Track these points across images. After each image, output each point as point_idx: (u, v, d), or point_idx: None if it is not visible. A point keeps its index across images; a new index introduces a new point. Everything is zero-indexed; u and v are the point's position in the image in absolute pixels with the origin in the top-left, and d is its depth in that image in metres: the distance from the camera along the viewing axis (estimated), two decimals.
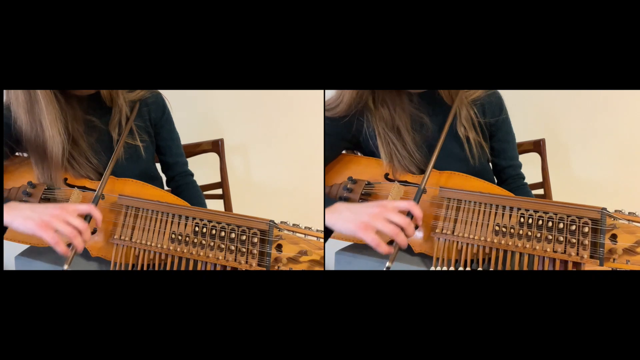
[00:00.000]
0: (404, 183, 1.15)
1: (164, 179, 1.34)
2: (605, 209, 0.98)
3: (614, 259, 0.98)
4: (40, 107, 1.07)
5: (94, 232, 1.11)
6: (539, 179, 1.56)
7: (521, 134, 1.50)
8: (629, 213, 0.99)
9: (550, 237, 1.01)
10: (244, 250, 1.05)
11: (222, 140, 1.57)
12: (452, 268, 1.06)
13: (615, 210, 0.99)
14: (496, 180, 1.27)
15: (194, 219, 1.08)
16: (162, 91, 1.27)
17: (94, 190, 1.14)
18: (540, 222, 1.02)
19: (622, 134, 1.80)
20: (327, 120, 1.19)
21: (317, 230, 1.07)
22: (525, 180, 1.27)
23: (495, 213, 1.06)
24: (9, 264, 1.17)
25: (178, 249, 1.08)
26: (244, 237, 1.05)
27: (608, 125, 1.80)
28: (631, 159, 1.79)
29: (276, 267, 1.05)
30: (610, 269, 0.99)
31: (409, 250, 1.12)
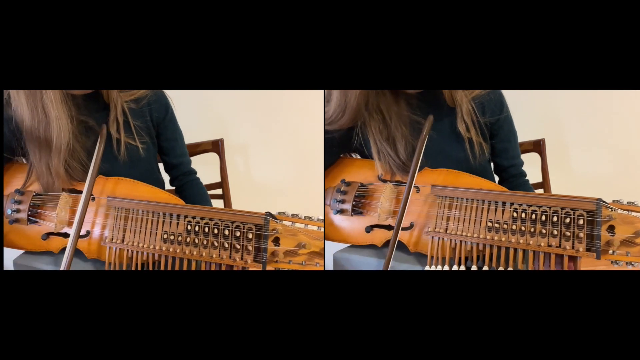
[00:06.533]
0: (397, 183, 1.14)
1: (167, 178, 1.32)
2: (601, 199, 0.95)
3: (612, 252, 0.95)
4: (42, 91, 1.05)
5: (87, 234, 1.10)
6: (539, 179, 1.56)
7: (521, 134, 1.50)
8: (628, 203, 0.96)
9: (544, 231, 0.99)
10: (238, 246, 1.02)
11: (222, 140, 1.57)
12: (446, 266, 1.06)
13: (613, 201, 0.96)
14: (497, 179, 1.25)
15: (185, 217, 1.05)
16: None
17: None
18: (533, 216, 1.00)
19: (622, 134, 1.80)
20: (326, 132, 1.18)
21: (318, 220, 1.05)
22: (527, 177, 1.25)
23: (488, 209, 1.04)
24: (8, 266, 1.17)
25: (171, 249, 1.05)
26: (238, 233, 1.02)
27: (608, 125, 1.80)
28: (631, 159, 1.79)
29: (274, 261, 1.03)
30: (609, 262, 0.96)
31: (404, 249, 1.12)
